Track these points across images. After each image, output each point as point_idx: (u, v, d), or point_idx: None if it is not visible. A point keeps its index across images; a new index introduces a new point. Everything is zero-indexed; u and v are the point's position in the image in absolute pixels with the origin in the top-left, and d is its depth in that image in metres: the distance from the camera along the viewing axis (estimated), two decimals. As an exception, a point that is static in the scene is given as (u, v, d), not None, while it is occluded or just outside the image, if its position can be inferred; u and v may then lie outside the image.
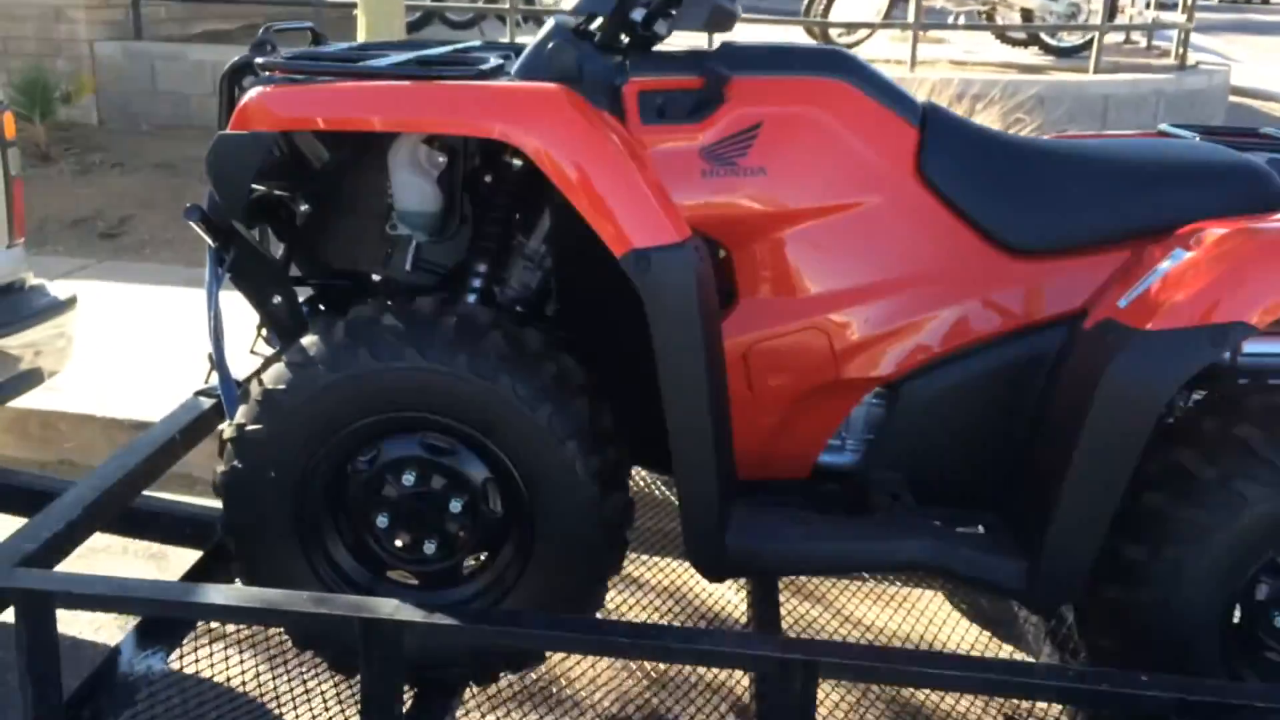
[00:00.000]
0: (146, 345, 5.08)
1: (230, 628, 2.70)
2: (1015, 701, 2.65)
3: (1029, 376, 2.44)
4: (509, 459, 2.28)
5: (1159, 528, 2.18)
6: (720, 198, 2.43)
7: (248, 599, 2.00)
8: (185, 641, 2.54)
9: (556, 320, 2.66)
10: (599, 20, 2.44)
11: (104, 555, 3.53)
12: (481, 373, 2.21)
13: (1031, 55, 10.99)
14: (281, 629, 2.51)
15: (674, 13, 2.39)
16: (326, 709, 2.55)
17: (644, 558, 3.27)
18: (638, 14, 2.38)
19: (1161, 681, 2.04)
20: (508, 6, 9.57)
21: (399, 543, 2.38)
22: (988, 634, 3.17)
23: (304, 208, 2.55)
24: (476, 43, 3.02)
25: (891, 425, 2.52)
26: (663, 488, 3.48)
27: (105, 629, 3.15)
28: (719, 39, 2.74)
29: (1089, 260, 2.45)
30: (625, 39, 2.48)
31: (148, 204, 7.45)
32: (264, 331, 2.96)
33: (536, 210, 2.59)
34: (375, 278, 2.68)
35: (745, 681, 2.63)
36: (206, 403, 2.79)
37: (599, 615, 2.48)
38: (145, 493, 2.70)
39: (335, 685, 2.54)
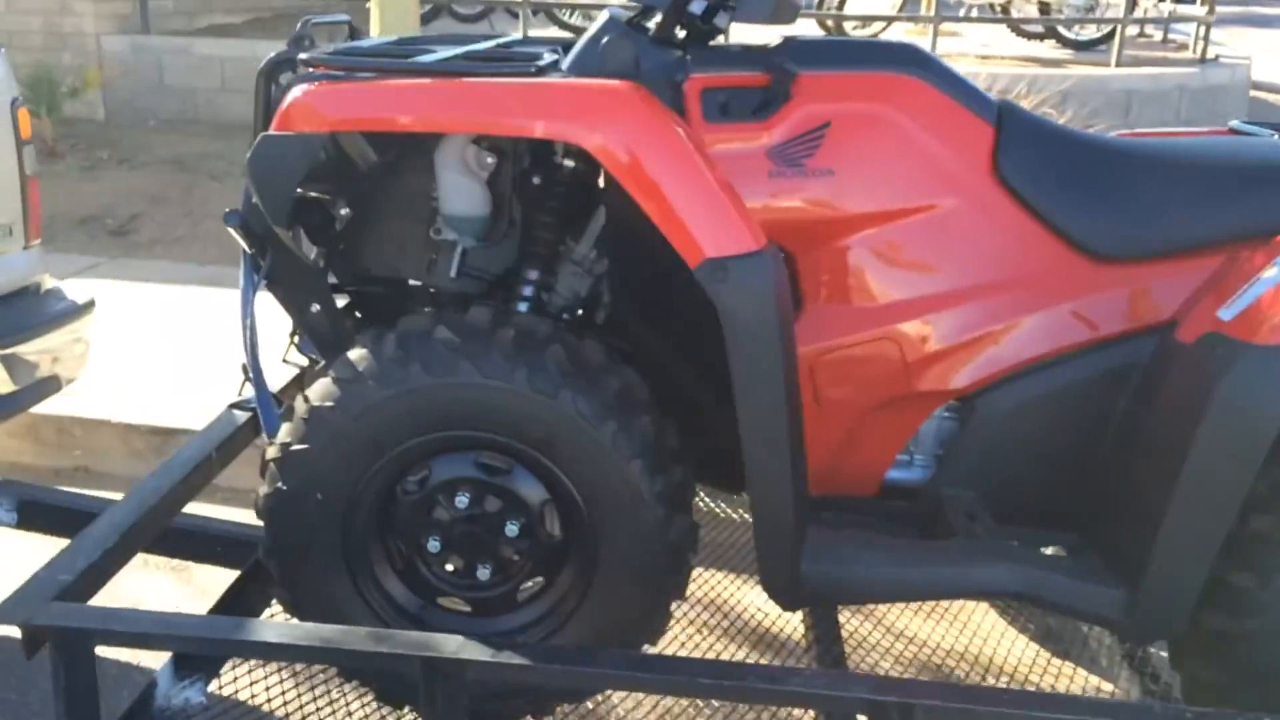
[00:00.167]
0: (161, 346, 4.96)
1: (272, 652, 2.57)
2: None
3: (1114, 390, 2.31)
4: (569, 479, 2.15)
5: (1269, 553, 2.04)
6: (786, 201, 2.30)
7: (302, 636, 1.87)
8: (224, 670, 2.40)
9: (606, 329, 2.52)
10: (655, 14, 2.31)
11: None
12: (542, 388, 2.08)
13: (1049, 49, 10.84)
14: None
15: (735, 5, 2.26)
16: (373, 741, 2.43)
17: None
18: (697, 6, 2.25)
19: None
20: (519, 0, 9.43)
21: (451, 568, 2.25)
22: (1046, 652, 3.04)
23: (344, 211, 2.41)
24: (515, 36, 2.88)
25: (965, 440, 2.39)
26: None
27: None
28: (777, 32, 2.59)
29: (1177, 267, 2.32)
30: (681, 33, 2.35)
31: (156, 201, 7.32)
32: (296, 339, 2.84)
33: (587, 213, 2.46)
34: (413, 283, 2.55)
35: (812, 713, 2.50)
36: (241, 416, 2.65)
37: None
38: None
39: (383, 717, 2.41)
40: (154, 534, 2.25)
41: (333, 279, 2.57)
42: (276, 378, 2.70)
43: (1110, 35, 10.00)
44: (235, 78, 9.00)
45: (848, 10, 10.61)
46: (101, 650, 1.94)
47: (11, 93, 3.43)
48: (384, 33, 5.39)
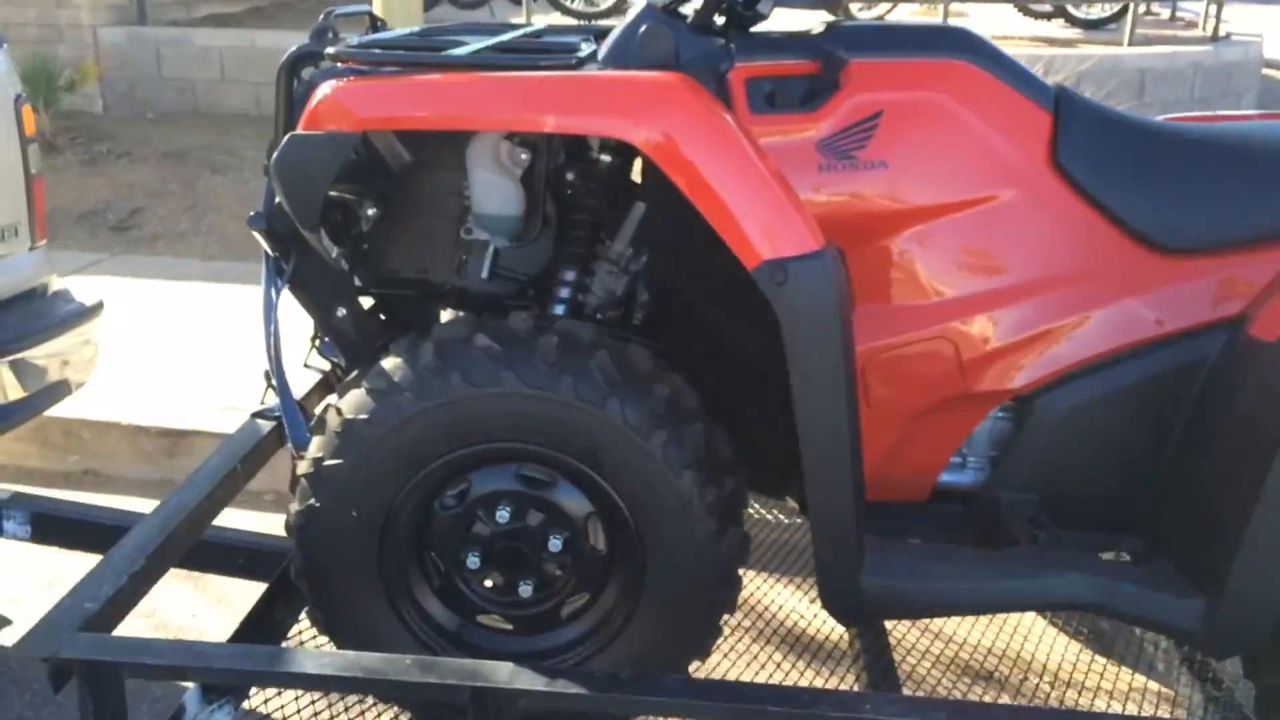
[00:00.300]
0: (168, 345, 4.86)
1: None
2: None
3: (1181, 388, 2.20)
4: (616, 492, 2.05)
5: None
6: (837, 195, 2.19)
7: (345, 666, 1.76)
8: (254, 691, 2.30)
9: (643, 331, 2.42)
10: (694, 1, 2.20)
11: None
12: (587, 397, 1.98)
13: (1058, 28, 10.71)
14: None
15: None
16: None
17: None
18: None
19: None
20: (522, -15, 9.31)
21: (491, 584, 2.15)
22: (1097, 655, 2.94)
23: (371, 212, 2.30)
24: (540, 25, 2.76)
25: (1023, 442, 2.29)
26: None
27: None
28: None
29: (1247, 259, 2.21)
30: (720, 20, 2.24)
31: (158, 195, 7.20)
32: (318, 343, 2.74)
33: (623, 208, 2.35)
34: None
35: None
36: (265, 426, 2.54)
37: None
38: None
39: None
40: (180, 554, 2.15)
41: (356, 281, 2.45)
42: (294, 380, 2.59)
43: (1118, 14, 9.87)
44: (235, 68, 8.87)
45: (853, -9, 10.48)
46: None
47: (14, 88, 3.32)
48: (388, 21, 5.25)
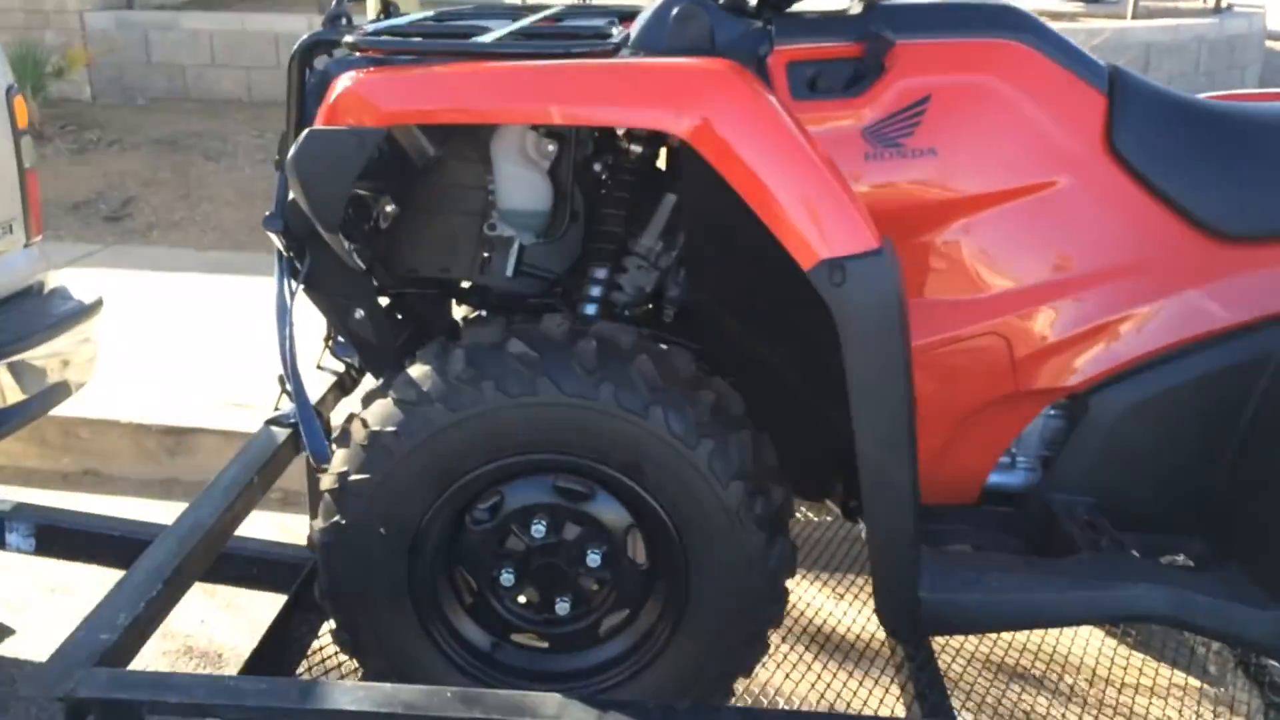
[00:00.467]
0: (167, 339, 4.74)
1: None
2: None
3: (1246, 384, 2.10)
4: (659, 504, 1.94)
5: None
6: (884, 185, 2.08)
7: (383, 701, 1.64)
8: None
9: (673, 330, 2.31)
10: None
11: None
12: (629, 406, 1.86)
13: (1060, 1, 10.57)
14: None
15: None
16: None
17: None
18: None
19: None
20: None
21: (527, 601, 2.04)
22: (1125, 646, 2.85)
23: (389, 208, 2.17)
24: (559, 6, 2.63)
25: (1077, 442, 2.19)
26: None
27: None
28: None
29: None
30: (754, 1, 2.11)
31: (150, 183, 7.06)
32: (331, 344, 2.62)
33: (653, 200, 2.24)
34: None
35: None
36: (280, 433, 2.42)
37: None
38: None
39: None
40: (198, 575, 2.04)
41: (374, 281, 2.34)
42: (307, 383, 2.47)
43: (1121, -14, 9.74)
44: (225, 52, 8.73)
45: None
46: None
47: (6, 79, 3.20)
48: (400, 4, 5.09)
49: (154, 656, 2.88)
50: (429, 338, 2.38)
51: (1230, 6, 10.24)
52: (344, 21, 2.18)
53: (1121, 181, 2.13)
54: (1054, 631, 2.91)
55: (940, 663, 2.72)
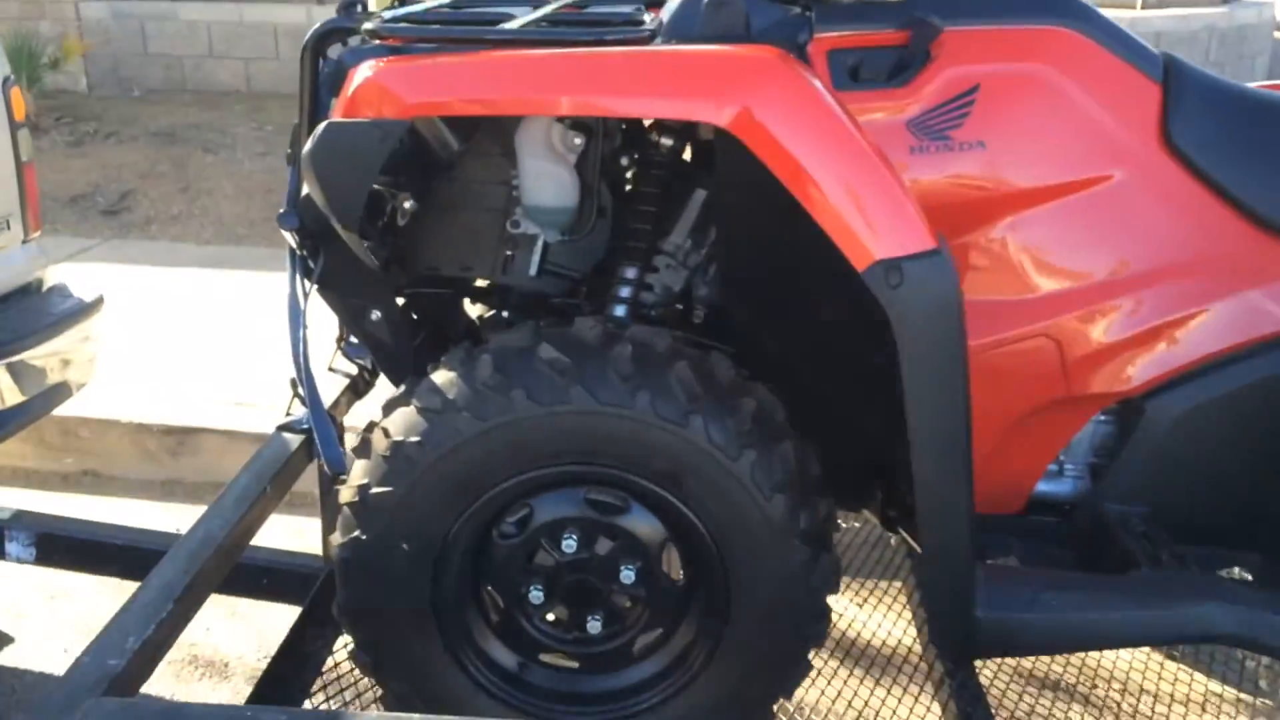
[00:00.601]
0: (168, 336, 4.63)
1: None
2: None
3: None
4: (699, 517, 1.84)
5: None
6: (930, 180, 1.98)
7: (416, 735, 1.55)
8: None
9: (702, 331, 2.20)
10: None
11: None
12: (668, 415, 1.76)
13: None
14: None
15: None
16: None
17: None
18: None
19: None
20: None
21: (557, 620, 1.94)
22: (1170, 658, 2.75)
23: (408, 204, 2.06)
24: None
25: (1131, 449, 2.10)
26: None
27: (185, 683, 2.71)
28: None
29: None
30: None
31: (148, 177, 6.95)
32: (343, 345, 2.51)
33: (684, 194, 2.13)
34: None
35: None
36: (293, 440, 2.31)
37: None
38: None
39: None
40: (209, 592, 1.93)
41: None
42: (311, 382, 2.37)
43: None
44: (223, 43, 8.62)
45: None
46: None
47: (2, 70, 3.09)
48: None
49: (158, 668, 2.77)
50: (445, 339, 2.29)
51: (1239, -4, 10.14)
52: (359, 9, 2.07)
53: (1178, 175, 2.03)
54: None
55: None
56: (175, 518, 3.53)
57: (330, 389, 2.51)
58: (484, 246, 2.17)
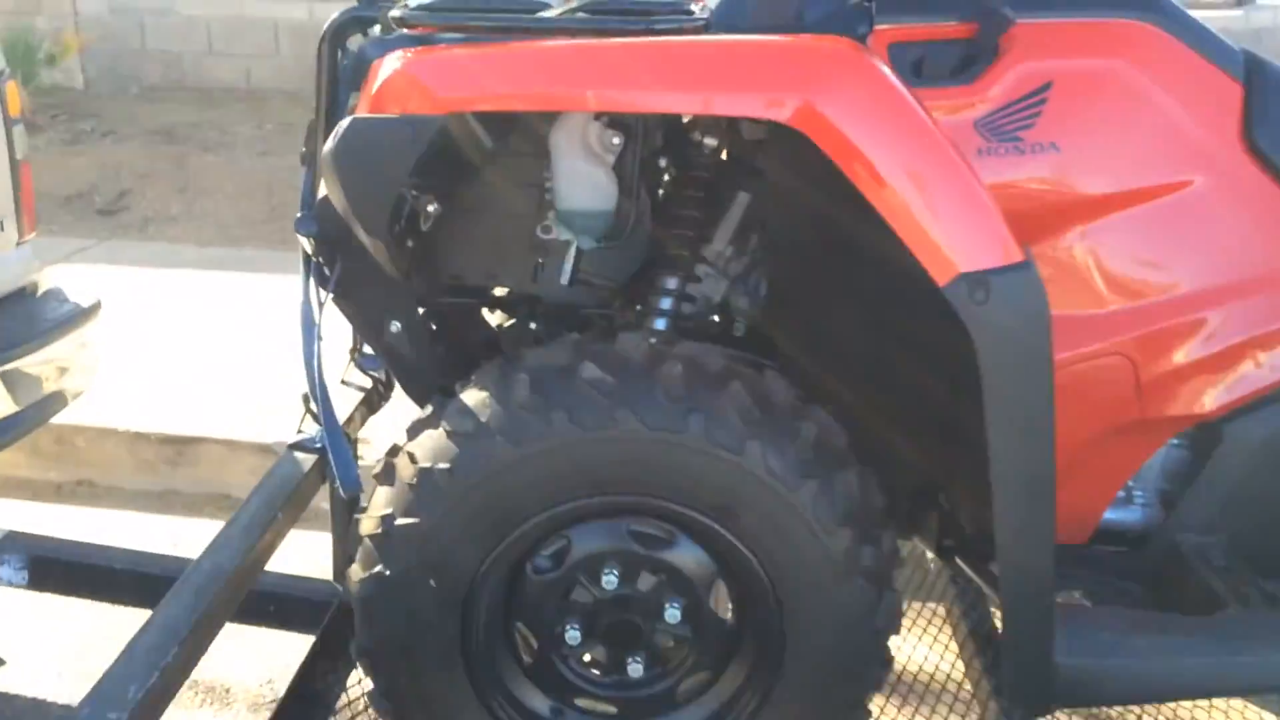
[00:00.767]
0: (166, 341, 4.50)
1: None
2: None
3: None
4: (752, 552, 1.69)
5: None
6: (1000, 184, 1.83)
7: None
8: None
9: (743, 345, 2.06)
10: None
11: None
12: (722, 441, 1.61)
13: (1079, -7, 10.34)
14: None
15: None
16: None
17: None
18: None
19: None
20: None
21: (595, 662, 1.79)
22: (1253, 705, 2.59)
23: (432, 208, 1.91)
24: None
25: (1209, 476, 1.98)
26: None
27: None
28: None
29: None
30: None
31: (146, 176, 6.81)
32: (357, 356, 2.37)
33: (726, 198, 1.99)
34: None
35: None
36: (305, 460, 2.15)
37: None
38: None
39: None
40: (218, 630, 1.78)
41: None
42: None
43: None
44: (223, 39, 8.48)
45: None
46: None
47: (-3, 63, 2.95)
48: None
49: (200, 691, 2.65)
50: (465, 350, 2.14)
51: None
52: (380, -2, 1.93)
53: (1260, 180, 1.92)
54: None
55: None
56: (173, 530, 3.40)
57: (343, 404, 2.36)
58: (513, 253, 2.03)
